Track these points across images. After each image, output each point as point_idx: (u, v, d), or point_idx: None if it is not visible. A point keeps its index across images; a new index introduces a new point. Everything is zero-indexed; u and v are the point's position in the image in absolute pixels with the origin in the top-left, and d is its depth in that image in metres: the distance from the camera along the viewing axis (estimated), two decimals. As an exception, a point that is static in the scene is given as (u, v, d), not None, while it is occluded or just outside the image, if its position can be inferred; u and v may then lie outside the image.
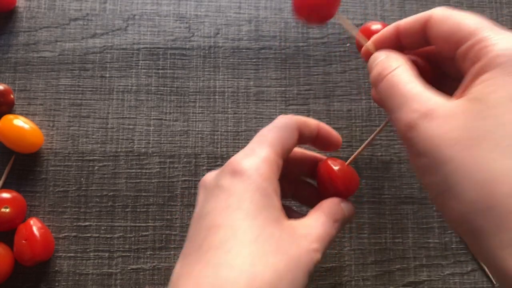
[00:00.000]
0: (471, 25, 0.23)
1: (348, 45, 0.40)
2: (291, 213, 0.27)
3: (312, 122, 0.29)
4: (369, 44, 0.27)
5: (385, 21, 0.41)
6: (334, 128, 0.38)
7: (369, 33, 0.36)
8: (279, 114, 0.38)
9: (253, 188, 0.24)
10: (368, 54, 0.27)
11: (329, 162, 0.30)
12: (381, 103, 0.25)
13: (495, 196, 0.19)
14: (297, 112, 0.39)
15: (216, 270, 0.21)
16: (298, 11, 0.28)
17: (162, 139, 0.38)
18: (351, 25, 0.28)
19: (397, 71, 0.23)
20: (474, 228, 0.20)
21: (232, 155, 0.37)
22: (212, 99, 0.38)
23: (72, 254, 0.35)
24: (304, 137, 0.28)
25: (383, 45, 0.27)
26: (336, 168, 0.29)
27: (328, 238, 0.25)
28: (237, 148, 0.38)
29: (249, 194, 0.23)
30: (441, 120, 0.21)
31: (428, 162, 0.21)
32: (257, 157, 0.25)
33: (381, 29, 0.33)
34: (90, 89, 0.38)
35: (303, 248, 0.23)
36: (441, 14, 0.24)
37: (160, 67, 0.39)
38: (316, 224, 0.25)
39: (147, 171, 0.37)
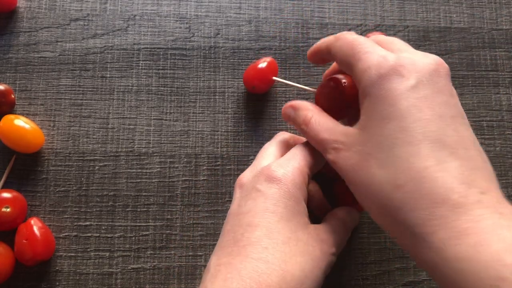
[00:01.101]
0: (356, 48, 0.27)
1: (348, 45, 0.40)
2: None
3: None
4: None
5: (384, 21, 0.41)
6: (334, 128, 0.39)
7: None
8: (279, 114, 0.39)
9: (287, 195, 0.27)
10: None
11: (344, 183, 0.34)
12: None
13: (387, 201, 0.24)
14: (297, 112, 0.39)
15: (256, 263, 0.25)
16: (244, 83, 0.37)
17: (163, 139, 0.38)
18: (289, 82, 0.36)
19: (314, 117, 0.29)
20: (388, 230, 0.25)
21: (232, 155, 0.37)
22: (212, 99, 0.39)
23: (72, 254, 0.35)
24: None
25: (318, 56, 0.32)
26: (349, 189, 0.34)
27: (342, 243, 0.30)
28: (237, 148, 0.38)
29: (284, 200, 0.27)
30: (344, 152, 0.26)
31: (348, 185, 0.27)
32: (291, 167, 0.28)
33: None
34: (90, 89, 0.38)
35: (324, 251, 0.27)
36: (340, 36, 0.29)
37: (161, 67, 0.39)
38: (334, 230, 0.29)
39: (147, 171, 0.37)
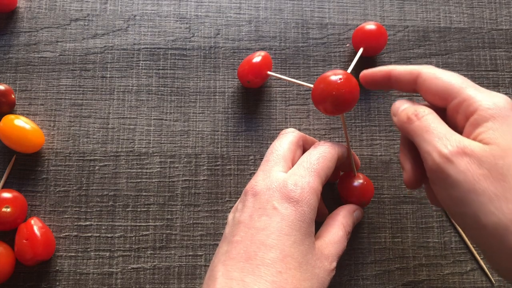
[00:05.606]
0: (456, 85, 0.28)
1: (347, 45, 0.40)
2: None
3: (345, 152, 0.34)
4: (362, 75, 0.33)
5: (384, 22, 0.41)
6: (333, 128, 0.39)
7: (363, 33, 0.39)
8: (279, 114, 0.39)
9: (302, 218, 0.28)
10: (365, 78, 0.33)
11: (349, 178, 0.35)
12: (411, 137, 0.29)
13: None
14: (296, 112, 0.39)
15: (270, 287, 0.26)
16: (239, 78, 0.37)
17: (163, 139, 0.38)
18: (284, 77, 0.36)
19: (430, 116, 0.28)
20: (505, 245, 0.24)
21: (232, 155, 0.37)
22: (212, 99, 0.39)
23: (73, 254, 0.35)
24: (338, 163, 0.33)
25: (372, 81, 0.33)
26: (354, 184, 0.35)
27: (342, 252, 0.31)
28: (237, 148, 0.38)
29: (299, 223, 0.28)
30: (474, 157, 0.25)
31: (459, 194, 0.25)
32: (307, 186, 0.29)
33: (375, 29, 0.37)
34: (91, 89, 0.38)
35: (327, 270, 0.29)
36: (429, 73, 0.29)
37: (161, 68, 0.39)
38: (335, 241, 0.31)
39: (147, 171, 0.37)
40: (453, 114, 0.28)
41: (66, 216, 0.36)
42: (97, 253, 0.35)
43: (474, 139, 0.26)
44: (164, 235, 0.36)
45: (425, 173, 0.29)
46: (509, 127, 0.25)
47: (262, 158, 0.34)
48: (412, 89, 0.31)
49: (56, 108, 0.38)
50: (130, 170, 0.37)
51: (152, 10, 0.40)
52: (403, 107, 0.30)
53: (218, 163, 0.37)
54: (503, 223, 0.23)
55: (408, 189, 0.36)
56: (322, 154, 0.31)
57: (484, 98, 0.27)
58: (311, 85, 0.32)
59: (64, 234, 0.36)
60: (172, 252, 0.36)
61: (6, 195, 0.34)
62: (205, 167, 0.37)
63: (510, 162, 0.24)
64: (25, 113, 0.37)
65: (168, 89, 0.39)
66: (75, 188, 0.36)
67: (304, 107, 0.39)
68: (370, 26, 0.38)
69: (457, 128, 0.28)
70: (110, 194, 0.36)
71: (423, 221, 0.38)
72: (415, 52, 0.40)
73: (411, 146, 0.30)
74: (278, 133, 0.36)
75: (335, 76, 0.30)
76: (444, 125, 0.27)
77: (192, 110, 0.38)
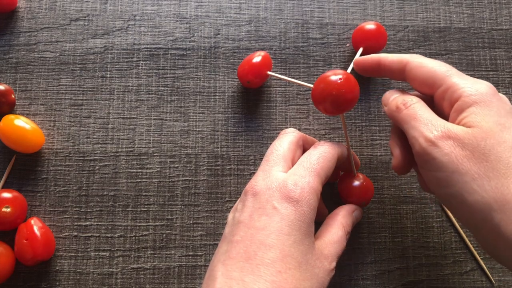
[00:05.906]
0: (441, 73, 0.29)
1: (347, 45, 0.40)
2: None
3: (345, 152, 0.34)
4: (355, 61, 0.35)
5: (384, 22, 0.41)
6: (333, 128, 0.39)
7: (362, 32, 0.39)
8: (279, 114, 0.39)
9: (301, 218, 0.28)
10: (359, 64, 0.35)
11: (349, 178, 0.35)
12: (400, 125, 0.30)
13: (507, 195, 0.25)
14: (296, 112, 0.39)
15: (270, 286, 0.26)
16: (239, 78, 0.37)
17: (163, 139, 0.38)
18: (284, 77, 0.36)
19: (417, 104, 0.30)
20: (489, 223, 0.25)
21: (232, 155, 0.37)
22: (212, 99, 0.39)
23: (73, 254, 0.35)
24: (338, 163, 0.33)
25: (363, 68, 0.35)
26: (353, 184, 0.35)
27: (341, 252, 0.31)
28: (237, 148, 0.38)
29: (298, 222, 0.28)
30: (457, 140, 0.26)
31: (445, 175, 0.26)
32: (307, 186, 0.29)
33: (375, 29, 0.37)
34: (91, 89, 0.38)
35: (326, 270, 0.29)
36: (416, 61, 0.31)
37: (161, 68, 0.39)
38: (335, 241, 0.30)
39: (147, 171, 0.37)
40: (439, 101, 0.30)
41: (66, 216, 0.36)
42: (97, 253, 0.35)
43: (459, 123, 0.28)
44: (164, 235, 0.36)
45: (413, 159, 0.30)
46: (491, 111, 0.27)
47: (262, 158, 0.34)
48: (401, 78, 0.32)
49: (56, 108, 0.38)
50: (130, 170, 0.37)
51: (152, 10, 0.40)
52: (393, 97, 0.32)
53: (218, 163, 0.37)
54: (486, 201, 0.25)
55: (397, 174, 0.36)
56: (322, 154, 0.31)
57: (467, 85, 0.28)
58: (311, 85, 0.32)
59: (64, 234, 0.36)
60: (172, 252, 0.36)
61: (6, 195, 0.34)
62: (205, 167, 0.37)
63: (492, 143, 0.26)
64: (25, 113, 0.37)
65: (168, 89, 0.39)
66: (75, 188, 0.36)
67: (304, 107, 0.39)
68: (370, 26, 0.38)
69: (444, 114, 0.29)
70: (110, 194, 0.36)
71: (423, 221, 0.38)
72: (415, 52, 0.40)
73: (401, 134, 0.32)
74: (278, 133, 0.36)
75: (335, 76, 0.30)
76: (430, 112, 0.29)
77: (192, 110, 0.38)
